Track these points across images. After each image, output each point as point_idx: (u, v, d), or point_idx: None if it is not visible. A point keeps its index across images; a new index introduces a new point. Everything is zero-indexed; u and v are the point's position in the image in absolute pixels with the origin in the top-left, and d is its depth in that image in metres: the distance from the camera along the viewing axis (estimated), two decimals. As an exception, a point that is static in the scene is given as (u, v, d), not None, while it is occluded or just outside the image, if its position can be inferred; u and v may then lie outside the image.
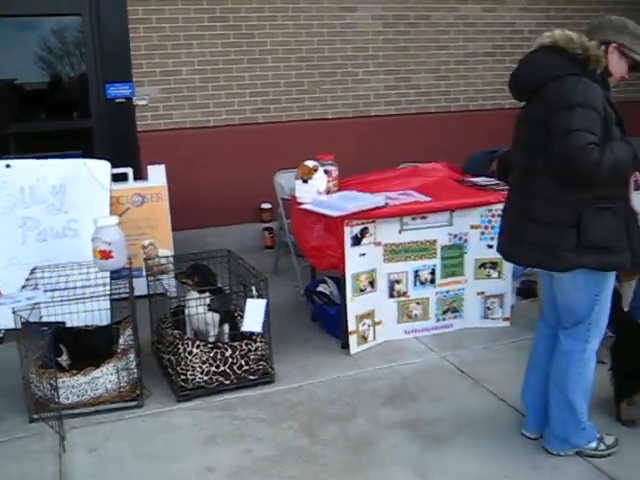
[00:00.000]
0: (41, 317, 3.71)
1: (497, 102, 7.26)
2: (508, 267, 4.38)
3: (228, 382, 3.75)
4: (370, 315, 4.27)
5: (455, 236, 4.37)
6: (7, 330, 4.24)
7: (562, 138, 2.67)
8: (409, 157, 5.99)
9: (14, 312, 3.33)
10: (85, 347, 3.83)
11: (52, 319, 3.69)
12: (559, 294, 3.00)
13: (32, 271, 3.87)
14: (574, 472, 3.04)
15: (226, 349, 3.73)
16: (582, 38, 2.80)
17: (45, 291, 3.63)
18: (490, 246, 4.28)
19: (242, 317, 3.81)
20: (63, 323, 3.87)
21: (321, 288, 4.67)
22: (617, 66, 2.88)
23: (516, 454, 3.17)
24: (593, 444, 3.12)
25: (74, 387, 3.55)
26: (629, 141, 2.77)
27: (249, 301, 3.77)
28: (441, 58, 7.17)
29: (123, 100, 6.14)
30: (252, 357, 3.79)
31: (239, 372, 3.76)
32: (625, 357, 3.32)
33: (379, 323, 4.32)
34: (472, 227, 4.39)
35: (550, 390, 3.11)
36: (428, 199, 4.31)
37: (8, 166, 4.61)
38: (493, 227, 4.30)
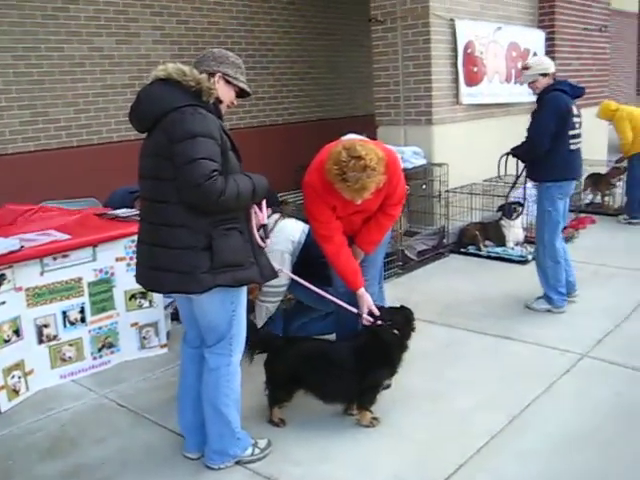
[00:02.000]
0: None
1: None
2: (159, 295, 4.42)
3: None
4: (19, 366, 4.00)
5: (101, 271, 4.31)
6: None
7: (186, 167, 2.78)
8: (57, 194, 5.78)
9: None
10: None
11: None
12: (200, 315, 3.10)
13: None
14: (235, 481, 3.17)
15: None
16: (193, 71, 2.96)
17: None
18: (140, 276, 4.29)
19: None
20: None
21: (-38, 346, 4.26)
22: (225, 94, 3.09)
23: (181, 477, 3.22)
24: (249, 450, 3.30)
25: None
26: (250, 176, 3.00)
27: None
28: (79, 91, 6.98)
29: None
30: None
31: None
32: (275, 369, 3.57)
33: (31, 373, 4.07)
34: (117, 260, 4.36)
35: (204, 408, 3.20)
36: (67, 237, 4.18)
37: None
38: (138, 257, 4.32)
